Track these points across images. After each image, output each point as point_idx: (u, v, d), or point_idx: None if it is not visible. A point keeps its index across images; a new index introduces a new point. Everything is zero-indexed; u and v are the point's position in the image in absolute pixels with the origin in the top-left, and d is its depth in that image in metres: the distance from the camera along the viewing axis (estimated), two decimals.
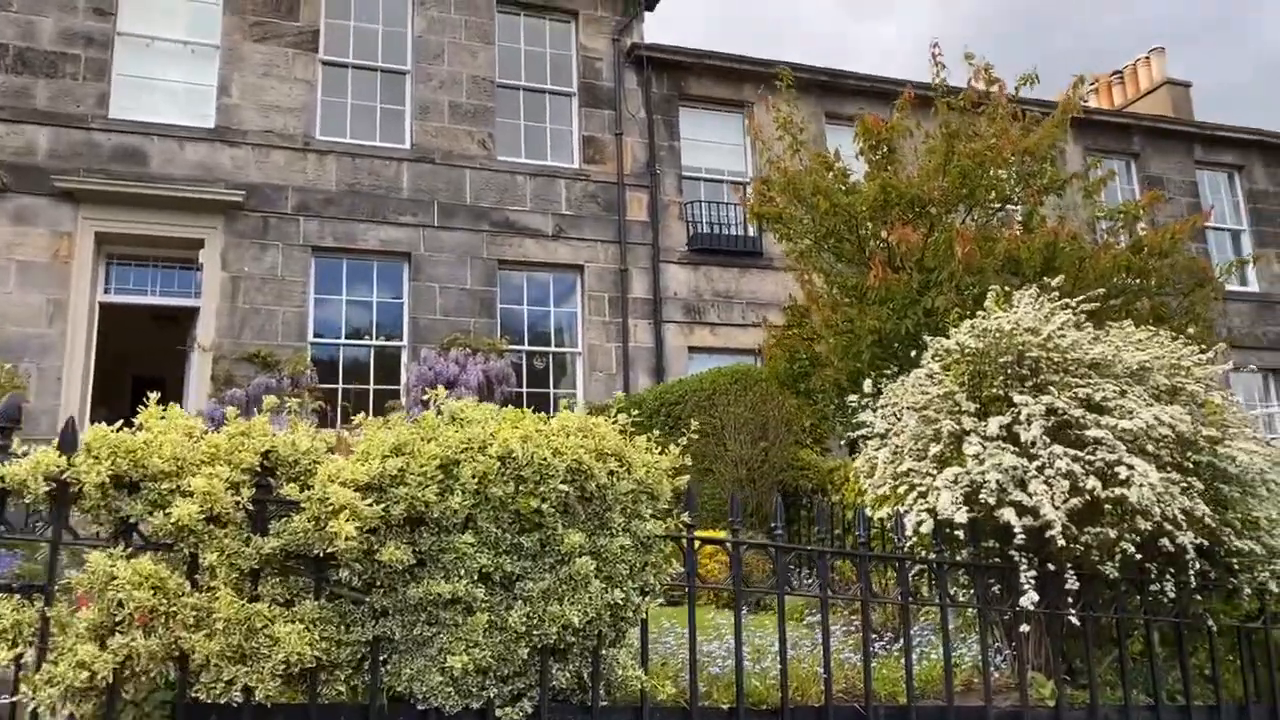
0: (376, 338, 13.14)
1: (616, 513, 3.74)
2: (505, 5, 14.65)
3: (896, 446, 4.76)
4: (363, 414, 3.82)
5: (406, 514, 3.44)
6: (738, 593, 4.05)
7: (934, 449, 4.48)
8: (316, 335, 12.81)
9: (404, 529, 3.47)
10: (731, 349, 14.38)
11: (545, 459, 3.57)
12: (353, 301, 13.16)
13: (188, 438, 3.39)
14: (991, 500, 4.30)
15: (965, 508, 4.33)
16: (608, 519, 3.72)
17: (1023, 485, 4.36)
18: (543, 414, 3.86)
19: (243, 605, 3.20)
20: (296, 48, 13.30)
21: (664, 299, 14.40)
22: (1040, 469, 4.28)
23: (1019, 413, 4.42)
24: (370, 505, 3.32)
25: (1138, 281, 7.66)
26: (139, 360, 14.38)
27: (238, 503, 3.27)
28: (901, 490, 4.61)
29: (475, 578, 3.48)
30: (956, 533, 4.31)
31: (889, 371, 4.94)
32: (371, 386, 12.85)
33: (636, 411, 4.26)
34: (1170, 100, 22.79)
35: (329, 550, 3.29)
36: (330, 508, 3.26)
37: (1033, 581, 4.38)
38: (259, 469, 3.39)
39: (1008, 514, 4.28)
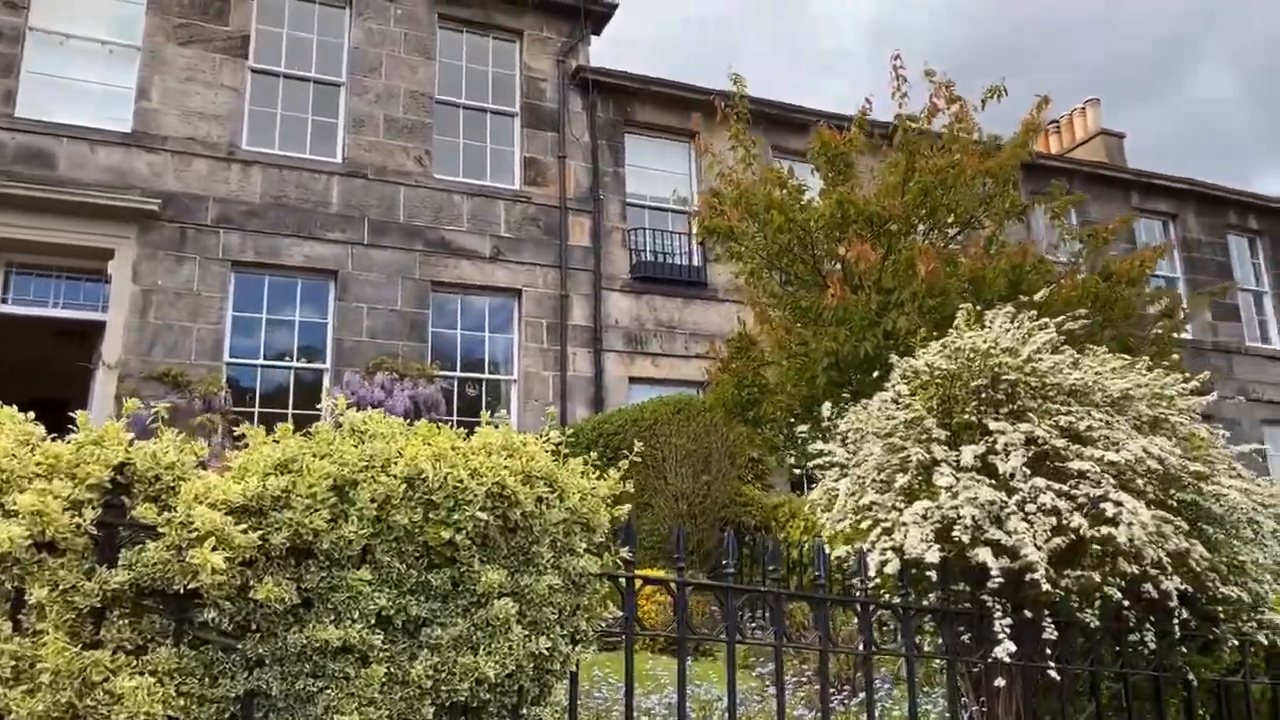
0: (298, 359, 12.41)
1: (545, 546, 3.21)
2: (447, 21, 14.19)
3: (859, 477, 4.31)
4: (246, 424, 3.23)
5: (290, 544, 2.87)
6: (681, 640, 3.53)
7: (901, 480, 4.04)
8: (233, 355, 12.05)
9: (287, 562, 2.89)
10: (674, 380, 13.93)
11: (461, 481, 3.03)
12: (274, 321, 12.43)
13: (22, 446, 2.78)
14: (965, 538, 3.86)
15: (936, 546, 3.88)
16: (534, 554, 3.19)
17: (999, 522, 3.94)
18: (463, 430, 3.33)
19: (78, 653, 2.59)
20: (224, 53, 12.65)
21: (605, 327, 13.92)
22: (1021, 504, 3.86)
23: (995, 441, 4.01)
24: (245, 532, 2.74)
25: (1102, 311, 7.37)
26: (41, 380, 13.38)
27: (79, 526, 2.67)
28: (864, 525, 4.15)
29: (372, 621, 2.91)
30: (928, 574, 3.86)
31: (846, 396, 4.52)
32: (291, 411, 12.10)
33: (571, 433, 3.77)
34: (1105, 149, 23.25)
35: (193, 586, 2.70)
36: (195, 534, 2.68)
37: (1008, 630, 3.94)
38: (110, 485, 2.79)
39: (983, 554, 3.84)
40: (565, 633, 3.19)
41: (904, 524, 3.96)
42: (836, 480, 4.47)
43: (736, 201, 7.63)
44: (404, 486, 2.97)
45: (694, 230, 8.39)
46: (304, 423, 10.99)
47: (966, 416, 4.16)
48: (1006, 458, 3.95)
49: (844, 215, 6.96)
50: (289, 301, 12.53)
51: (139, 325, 11.44)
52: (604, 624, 3.38)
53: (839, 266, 6.68)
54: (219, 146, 12.34)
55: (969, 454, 3.96)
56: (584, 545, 3.31)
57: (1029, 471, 3.90)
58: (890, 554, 4.04)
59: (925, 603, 4.18)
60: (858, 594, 3.98)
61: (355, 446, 3.06)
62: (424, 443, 3.16)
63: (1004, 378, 4.07)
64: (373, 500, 2.94)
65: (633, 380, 13.92)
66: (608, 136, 14.76)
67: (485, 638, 3.00)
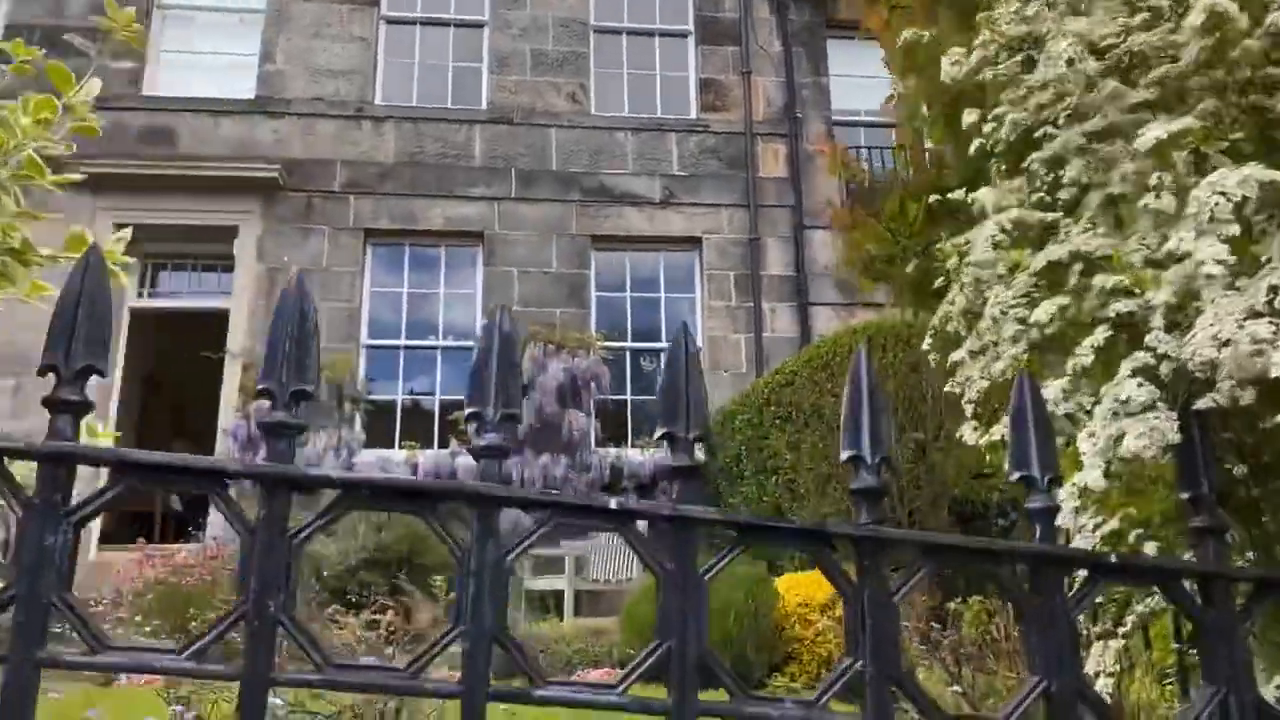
0: (444, 337, 10.65)
1: None
2: None
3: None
4: None
5: None
6: None
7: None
8: (371, 336, 10.51)
9: None
10: None
11: None
12: (416, 294, 10.78)
13: None
14: None
15: None
16: None
17: None
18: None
19: None
20: (352, 3, 11.31)
21: (811, 275, 11.05)
22: None
23: None
24: None
25: None
26: (172, 379, 12.47)
27: None
28: (1057, 324, 1.25)
29: None
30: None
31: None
32: (438, 396, 10.36)
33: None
34: None
35: None
36: None
37: None
38: None
39: None
40: None
41: (1211, 275, 1.02)
42: (989, 241, 1.59)
43: None
44: None
45: None
46: (450, 409, 8.22)
47: None
48: None
49: None
50: (431, 271, 10.84)
51: (265, 308, 10.14)
52: None
53: None
54: (346, 104, 10.94)
55: None
56: None
57: None
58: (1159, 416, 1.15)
59: None
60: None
61: None
62: None
63: None
64: None
65: None
66: (804, 42, 11.93)
67: None
